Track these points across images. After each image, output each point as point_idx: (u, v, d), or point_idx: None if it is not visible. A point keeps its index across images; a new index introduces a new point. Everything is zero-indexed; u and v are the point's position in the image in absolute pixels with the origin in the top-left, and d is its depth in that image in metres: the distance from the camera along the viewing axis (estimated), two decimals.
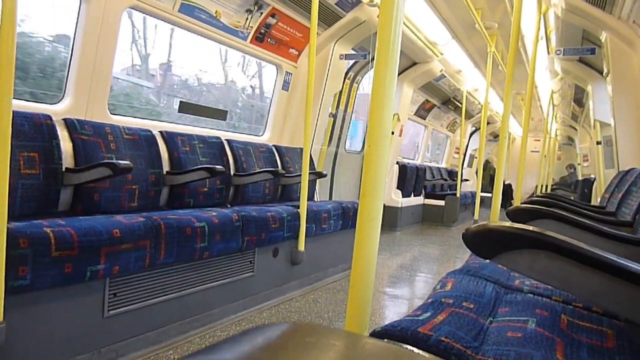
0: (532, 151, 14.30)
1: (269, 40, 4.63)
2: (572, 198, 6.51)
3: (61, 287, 1.97)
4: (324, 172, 4.85)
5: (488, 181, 13.92)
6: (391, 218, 7.48)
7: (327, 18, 4.96)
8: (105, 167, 2.62)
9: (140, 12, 3.47)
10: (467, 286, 1.45)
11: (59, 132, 2.65)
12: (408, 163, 8.26)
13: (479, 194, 6.99)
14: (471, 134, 12.77)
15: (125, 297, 2.30)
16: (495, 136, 14.24)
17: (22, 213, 2.38)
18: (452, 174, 11.02)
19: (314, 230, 3.70)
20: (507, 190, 12.51)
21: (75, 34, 3.07)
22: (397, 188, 7.77)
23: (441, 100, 9.55)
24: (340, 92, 5.90)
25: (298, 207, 3.50)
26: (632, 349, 1.06)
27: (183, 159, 3.43)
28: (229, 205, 3.71)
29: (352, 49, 5.64)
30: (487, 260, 1.51)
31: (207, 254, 2.69)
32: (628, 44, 4.41)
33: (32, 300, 1.89)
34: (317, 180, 5.17)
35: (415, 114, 9.09)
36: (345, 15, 5.00)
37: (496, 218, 3.18)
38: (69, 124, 2.79)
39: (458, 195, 8.73)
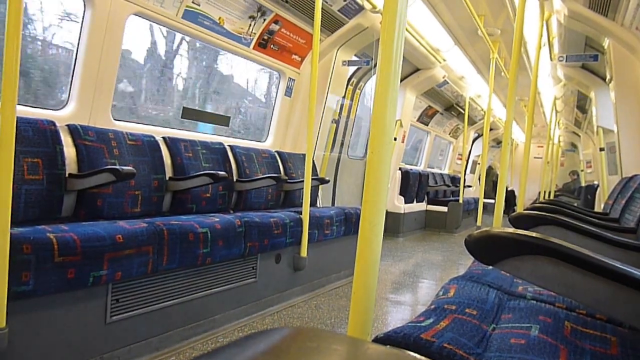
0: (535, 157, 14.29)
1: (272, 46, 4.65)
2: (575, 204, 6.49)
3: (64, 292, 1.97)
4: (327, 178, 4.85)
5: (491, 187, 13.88)
6: (394, 224, 7.47)
7: (330, 24, 4.98)
8: (108, 172, 2.62)
9: (144, 18, 3.49)
10: (470, 292, 1.44)
11: (62, 138, 2.66)
12: (411, 169, 8.26)
13: (482, 200, 6.99)
14: (474, 140, 12.77)
15: (128, 303, 2.30)
16: (498, 142, 14.23)
17: (25, 218, 2.38)
18: (454, 180, 11.01)
19: (316, 236, 3.70)
20: (510, 197, 12.48)
21: (79, 40, 3.09)
22: (400, 194, 7.77)
23: (444, 106, 9.56)
24: (343, 98, 5.92)
25: (300, 213, 3.50)
26: (636, 356, 1.06)
27: (186, 165, 3.43)
28: (231, 211, 3.71)
29: (355, 55, 5.66)
30: (490, 267, 1.51)
31: (210, 260, 2.69)
32: (631, 50, 4.41)
33: (34, 305, 1.89)
34: (320, 186, 5.17)
35: (417, 120, 9.09)
36: (348, 21, 5.02)
37: (499, 224, 3.17)
38: (72, 129, 2.80)
39: (461, 201, 8.72)
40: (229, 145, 4.01)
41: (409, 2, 3.81)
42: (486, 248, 1.02)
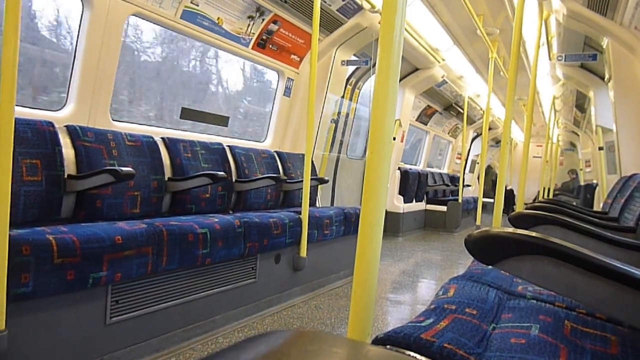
0: (534, 157, 14.30)
1: (270, 46, 4.65)
2: (574, 204, 6.50)
3: (63, 294, 1.97)
4: (326, 178, 4.85)
5: (490, 187, 13.88)
6: (393, 224, 7.47)
7: (329, 24, 4.98)
8: (107, 173, 2.62)
9: (143, 19, 3.49)
10: (470, 292, 1.44)
11: (61, 139, 2.66)
12: (410, 169, 8.26)
13: (481, 200, 7.00)
14: (473, 140, 12.77)
15: (128, 304, 2.30)
16: (497, 142, 14.25)
17: (24, 220, 2.38)
18: (454, 179, 11.01)
19: (316, 236, 3.70)
20: (509, 196, 12.49)
21: (77, 41, 3.09)
22: (399, 194, 7.77)
23: (443, 106, 9.56)
24: (342, 97, 5.92)
25: (300, 213, 3.50)
26: (636, 355, 1.06)
27: (185, 166, 3.43)
28: (231, 212, 3.71)
29: (354, 55, 5.66)
30: (490, 266, 1.51)
31: (209, 261, 2.69)
32: (630, 49, 4.41)
33: (34, 307, 1.89)
34: (319, 186, 5.17)
35: (417, 120, 9.10)
36: (347, 21, 5.02)
37: (498, 224, 3.17)
38: (71, 130, 2.80)
39: (460, 200, 8.72)
40: (228, 146, 4.01)
41: (408, 1, 3.80)
42: (486, 248, 1.02)
